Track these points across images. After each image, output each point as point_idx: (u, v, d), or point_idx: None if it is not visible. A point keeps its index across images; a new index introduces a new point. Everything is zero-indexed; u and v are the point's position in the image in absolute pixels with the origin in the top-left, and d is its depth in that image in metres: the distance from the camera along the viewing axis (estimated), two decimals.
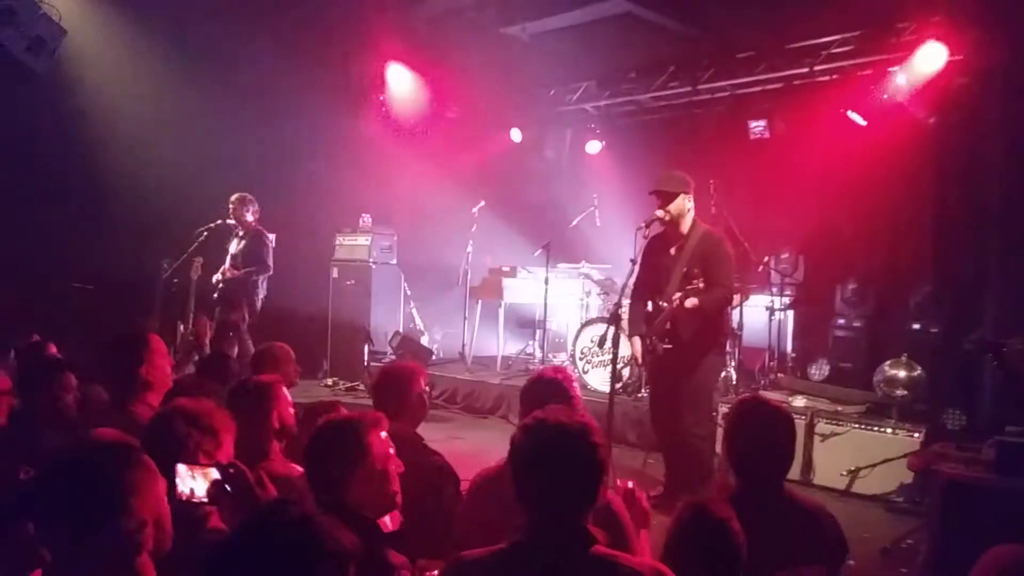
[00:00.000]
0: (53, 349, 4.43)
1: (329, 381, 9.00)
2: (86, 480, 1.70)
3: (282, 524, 1.36)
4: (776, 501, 2.50)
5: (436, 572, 2.19)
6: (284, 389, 3.14)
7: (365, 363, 8.78)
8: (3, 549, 1.90)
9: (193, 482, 2.06)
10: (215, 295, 7.55)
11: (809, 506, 2.59)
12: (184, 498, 2.05)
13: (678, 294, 4.88)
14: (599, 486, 1.92)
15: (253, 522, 1.41)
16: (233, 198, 7.55)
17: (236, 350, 6.77)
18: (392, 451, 2.36)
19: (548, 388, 2.88)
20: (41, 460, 2.13)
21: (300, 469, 3.01)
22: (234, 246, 7.62)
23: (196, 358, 6.31)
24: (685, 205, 5.12)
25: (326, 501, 2.18)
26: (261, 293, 7.74)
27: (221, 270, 7.58)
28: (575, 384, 3.05)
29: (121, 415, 3.14)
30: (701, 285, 4.82)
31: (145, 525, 1.72)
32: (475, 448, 6.44)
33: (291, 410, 3.09)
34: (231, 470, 2.08)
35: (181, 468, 2.07)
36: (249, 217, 7.64)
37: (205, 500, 2.07)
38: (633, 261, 5.45)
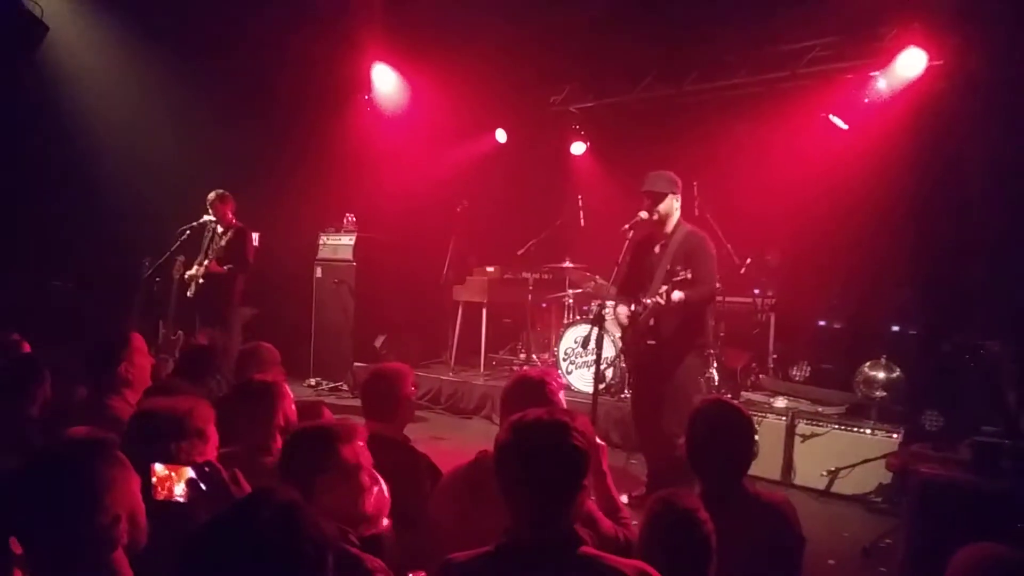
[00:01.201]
0: (26, 348, 4.40)
1: (312, 381, 8.98)
2: (60, 475, 1.71)
3: (264, 511, 1.37)
4: (737, 499, 2.54)
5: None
6: (287, 387, 3.19)
7: (351, 363, 8.76)
8: None
9: (169, 481, 2.07)
10: (188, 293, 7.48)
11: (770, 501, 2.64)
12: (161, 497, 2.06)
13: (664, 287, 4.91)
14: (581, 483, 1.93)
15: (237, 508, 1.41)
16: (211, 196, 7.47)
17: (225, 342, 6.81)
18: (368, 463, 2.29)
19: (529, 391, 2.88)
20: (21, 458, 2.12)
21: None
22: (216, 242, 7.56)
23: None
24: (672, 205, 5.17)
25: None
26: (239, 289, 7.66)
27: (201, 264, 7.51)
28: (555, 388, 3.02)
29: (99, 411, 3.15)
30: (690, 275, 4.85)
31: (119, 520, 1.73)
32: (458, 448, 6.44)
33: (293, 407, 3.14)
34: (206, 468, 2.08)
35: (158, 467, 2.08)
36: (230, 214, 7.59)
37: (182, 499, 2.07)
38: (619, 264, 5.51)
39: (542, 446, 1.91)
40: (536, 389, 2.85)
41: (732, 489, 2.57)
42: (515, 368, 8.87)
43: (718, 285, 5.46)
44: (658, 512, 2.25)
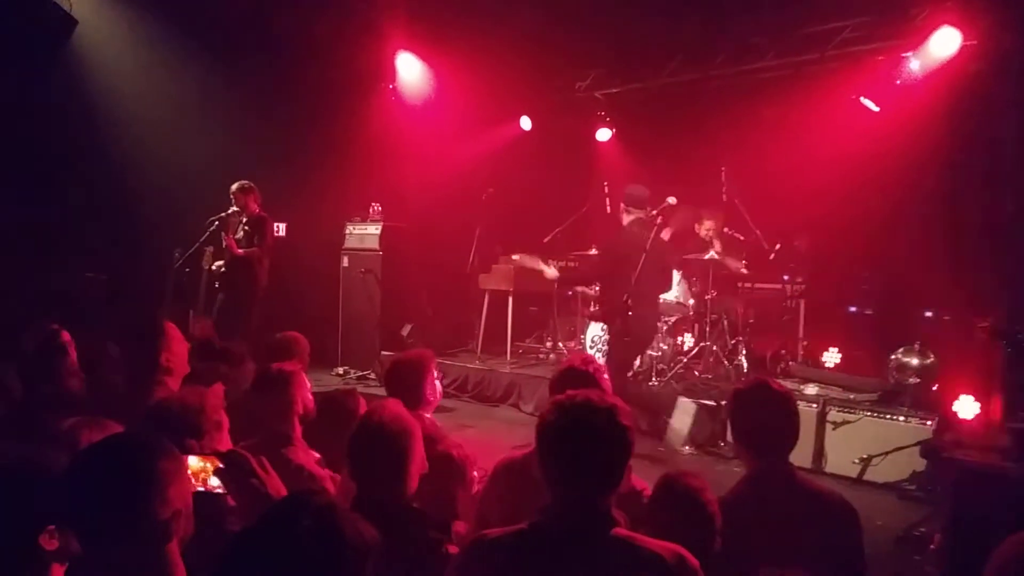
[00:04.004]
0: (66, 336, 4.45)
1: (340, 370, 9.03)
2: (125, 469, 1.72)
3: (305, 514, 1.36)
4: (786, 484, 2.48)
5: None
6: (304, 376, 3.24)
7: (378, 352, 8.80)
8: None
9: (203, 472, 2.09)
10: (216, 283, 7.55)
11: (822, 492, 2.57)
12: (196, 489, 2.07)
13: None
14: (623, 466, 1.92)
15: (276, 512, 1.41)
16: (234, 187, 7.52)
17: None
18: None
19: (578, 380, 2.85)
20: (49, 444, 2.14)
21: (317, 455, 3.07)
22: (238, 232, 7.61)
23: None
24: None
25: (375, 498, 2.26)
26: (262, 277, 7.71)
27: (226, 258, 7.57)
28: (605, 376, 3.04)
29: (141, 400, 3.19)
30: None
31: (179, 514, 1.75)
32: (485, 436, 6.45)
33: (310, 395, 3.20)
34: (234, 457, 2.10)
35: (192, 460, 2.09)
36: (253, 205, 7.63)
37: (220, 490, 2.08)
38: (646, 251, 5.59)
39: (588, 426, 1.89)
40: (585, 380, 2.83)
41: (781, 473, 2.51)
42: (541, 357, 8.88)
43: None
44: (664, 491, 2.29)
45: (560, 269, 8.55)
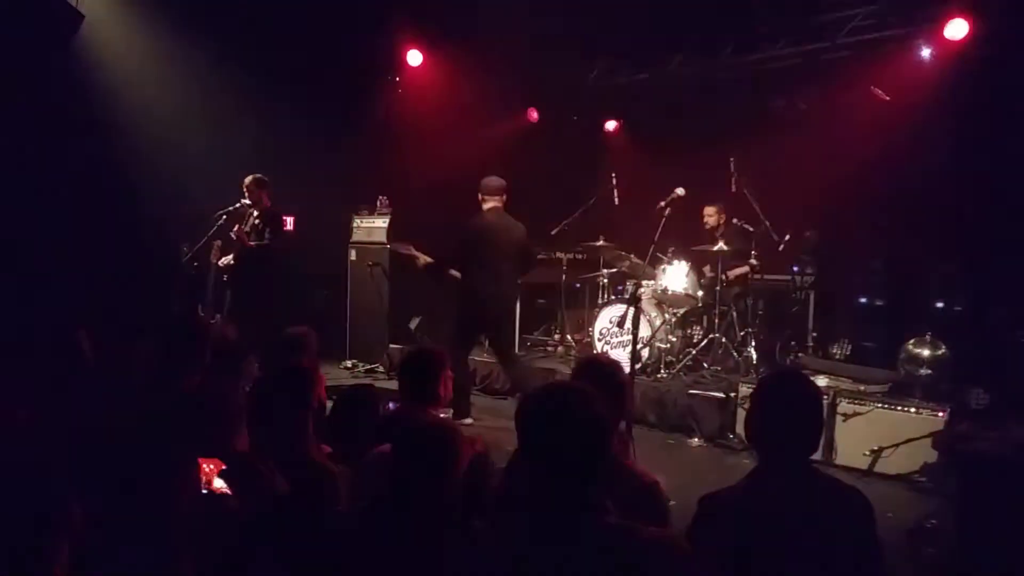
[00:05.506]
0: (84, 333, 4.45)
1: (348, 363, 9.04)
2: (144, 449, 1.72)
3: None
4: (800, 477, 2.42)
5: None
6: (320, 372, 3.26)
7: (386, 345, 8.80)
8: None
9: (210, 475, 2.10)
10: (225, 277, 7.54)
11: (836, 485, 2.52)
12: (206, 490, 2.09)
13: None
14: (600, 451, 1.90)
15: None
16: (248, 180, 7.49)
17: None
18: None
19: (595, 372, 2.76)
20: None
21: (328, 448, 3.09)
22: (248, 226, 7.59)
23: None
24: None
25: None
26: (274, 272, 7.69)
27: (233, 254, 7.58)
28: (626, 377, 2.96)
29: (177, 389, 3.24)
30: None
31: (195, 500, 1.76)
32: (492, 429, 6.44)
33: (324, 391, 3.23)
34: (238, 461, 2.11)
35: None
36: (266, 199, 7.61)
37: (227, 491, 2.09)
38: (655, 242, 5.58)
39: (558, 412, 1.88)
40: (602, 371, 2.76)
41: (793, 465, 2.42)
42: (549, 349, 8.87)
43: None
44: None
45: (568, 261, 8.62)
